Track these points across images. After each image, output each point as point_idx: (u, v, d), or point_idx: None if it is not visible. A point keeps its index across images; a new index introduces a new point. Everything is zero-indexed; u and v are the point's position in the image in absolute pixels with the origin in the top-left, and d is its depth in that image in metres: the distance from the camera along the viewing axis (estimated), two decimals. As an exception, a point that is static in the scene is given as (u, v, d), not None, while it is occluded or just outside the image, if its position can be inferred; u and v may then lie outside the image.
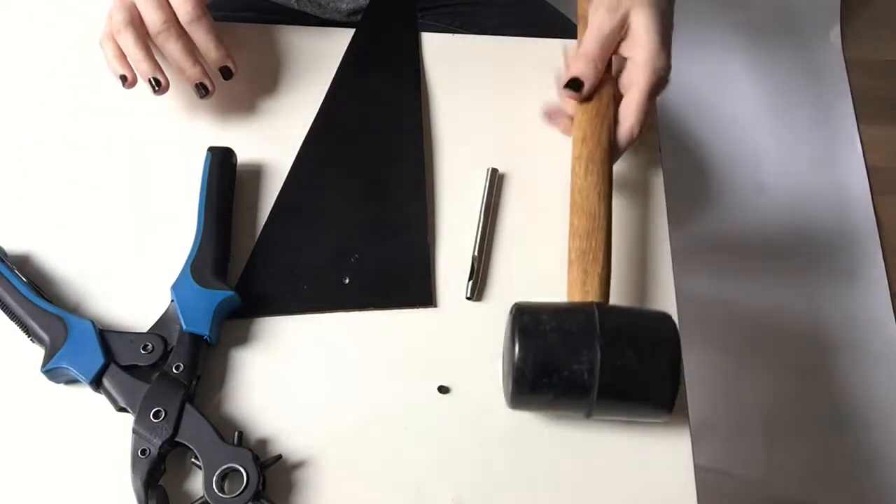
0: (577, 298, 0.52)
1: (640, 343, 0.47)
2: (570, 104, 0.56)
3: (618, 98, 0.55)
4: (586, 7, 0.56)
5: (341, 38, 0.67)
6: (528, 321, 0.48)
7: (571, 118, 0.55)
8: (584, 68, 0.50)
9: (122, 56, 0.55)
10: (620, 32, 0.53)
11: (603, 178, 0.56)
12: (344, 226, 0.59)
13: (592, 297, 0.52)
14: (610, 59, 0.55)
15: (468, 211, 0.60)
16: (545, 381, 0.46)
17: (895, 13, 1.74)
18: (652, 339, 0.48)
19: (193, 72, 0.56)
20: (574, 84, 0.50)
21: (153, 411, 0.48)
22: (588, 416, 0.49)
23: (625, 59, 0.54)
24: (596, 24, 0.52)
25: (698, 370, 1.31)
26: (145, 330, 0.52)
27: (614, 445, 0.52)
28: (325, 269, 0.57)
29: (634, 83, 0.52)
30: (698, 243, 1.45)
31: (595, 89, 0.52)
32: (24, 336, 0.52)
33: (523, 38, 0.69)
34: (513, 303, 0.51)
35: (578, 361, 0.46)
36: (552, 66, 0.68)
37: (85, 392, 0.51)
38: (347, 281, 0.57)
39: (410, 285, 0.57)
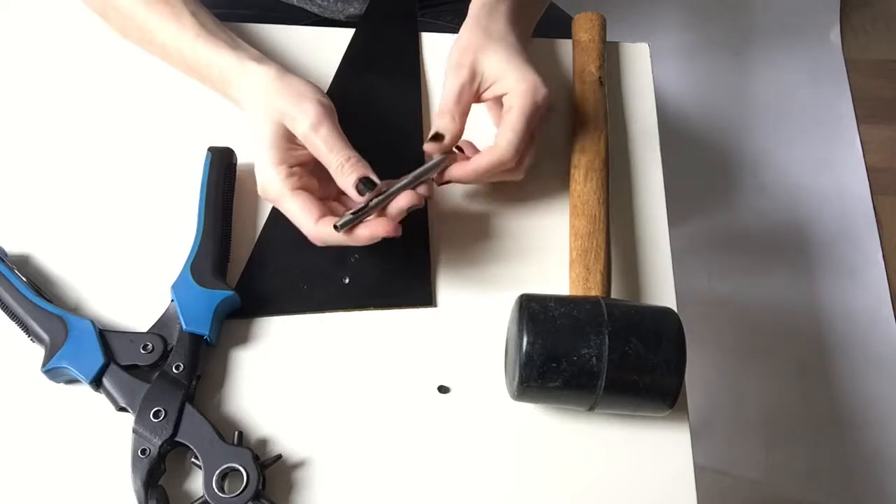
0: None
1: (646, 332, 0.48)
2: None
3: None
4: None
5: (341, 38, 0.67)
6: (536, 308, 0.48)
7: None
8: (441, 123, 0.55)
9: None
10: (474, 83, 0.56)
11: (601, 185, 0.58)
12: (344, 226, 0.59)
13: (595, 293, 0.52)
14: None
15: (468, 211, 0.60)
16: (553, 366, 0.47)
17: (895, 13, 1.74)
18: (658, 329, 0.48)
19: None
20: (436, 137, 0.54)
21: (153, 411, 0.48)
22: (592, 407, 0.49)
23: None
24: (447, 85, 0.56)
25: (698, 370, 1.32)
26: (145, 330, 0.52)
27: (614, 446, 0.52)
28: (325, 269, 0.57)
29: (510, 107, 0.55)
30: (698, 243, 1.45)
31: (458, 139, 0.55)
32: (24, 336, 0.52)
33: (523, 37, 0.69)
34: (513, 300, 0.51)
35: (587, 346, 0.47)
36: (553, 64, 0.68)
37: (85, 392, 0.51)
38: (347, 281, 0.57)
39: (410, 285, 0.57)
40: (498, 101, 0.57)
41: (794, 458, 1.27)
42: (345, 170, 0.51)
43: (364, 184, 0.51)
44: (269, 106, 0.52)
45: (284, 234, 0.58)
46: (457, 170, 0.55)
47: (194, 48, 0.57)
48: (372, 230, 0.50)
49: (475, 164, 0.55)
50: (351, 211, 0.51)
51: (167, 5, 0.57)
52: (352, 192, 0.51)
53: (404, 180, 0.53)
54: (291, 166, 0.52)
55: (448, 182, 0.56)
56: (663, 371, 0.47)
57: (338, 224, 0.50)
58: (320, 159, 0.52)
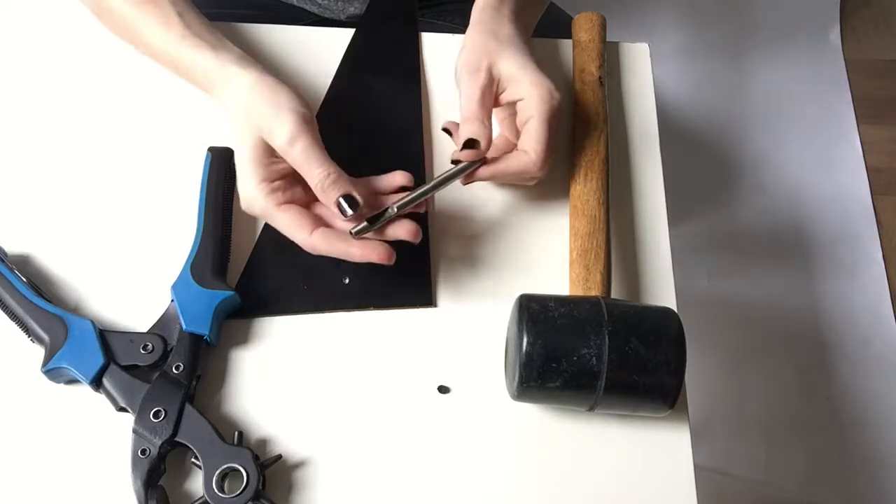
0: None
1: (646, 332, 0.48)
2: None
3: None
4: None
5: (341, 38, 0.67)
6: (536, 308, 0.48)
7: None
8: (472, 128, 0.54)
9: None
10: (492, 87, 0.56)
11: (601, 185, 0.58)
12: (344, 226, 0.59)
13: (595, 293, 0.52)
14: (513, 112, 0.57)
15: (468, 211, 0.60)
16: (553, 366, 0.47)
17: (895, 13, 1.74)
18: (658, 329, 0.48)
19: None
20: (471, 143, 0.53)
21: (153, 411, 0.48)
22: (592, 407, 0.49)
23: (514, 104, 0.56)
24: (467, 90, 0.55)
25: (698, 370, 1.32)
26: (145, 330, 0.52)
27: (614, 446, 0.52)
28: (325, 269, 0.57)
29: (530, 115, 0.54)
30: (698, 243, 1.45)
31: (491, 142, 0.55)
32: (24, 336, 0.52)
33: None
34: (513, 300, 0.51)
35: (587, 346, 0.47)
36: (553, 64, 0.68)
37: (85, 392, 0.51)
38: (347, 281, 0.57)
39: (410, 285, 0.57)
40: (510, 105, 0.57)
41: (794, 458, 1.27)
42: (324, 187, 0.50)
43: (346, 201, 0.50)
44: (247, 118, 0.52)
45: (284, 235, 0.58)
46: (484, 171, 0.55)
47: (179, 50, 0.56)
48: (365, 253, 0.50)
49: (504, 167, 0.55)
50: (367, 217, 0.51)
51: (155, 6, 0.57)
52: (335, 209, 0.50)
53: (426, 186, 0.53)
54: (273, 181, 0.51)
55: (473, 181, 0.56)
56: (663, 371, 0.47)
57: (353, 231, 0.50)
58: (300, 173, 0.51)
